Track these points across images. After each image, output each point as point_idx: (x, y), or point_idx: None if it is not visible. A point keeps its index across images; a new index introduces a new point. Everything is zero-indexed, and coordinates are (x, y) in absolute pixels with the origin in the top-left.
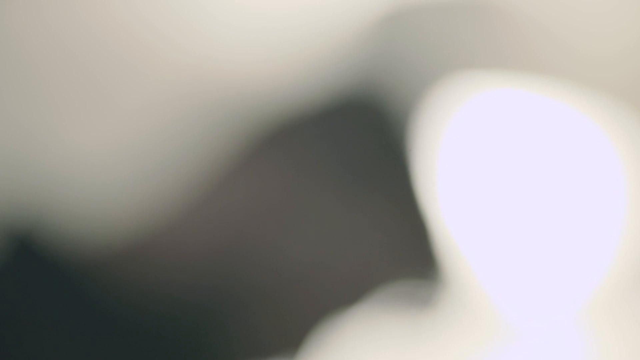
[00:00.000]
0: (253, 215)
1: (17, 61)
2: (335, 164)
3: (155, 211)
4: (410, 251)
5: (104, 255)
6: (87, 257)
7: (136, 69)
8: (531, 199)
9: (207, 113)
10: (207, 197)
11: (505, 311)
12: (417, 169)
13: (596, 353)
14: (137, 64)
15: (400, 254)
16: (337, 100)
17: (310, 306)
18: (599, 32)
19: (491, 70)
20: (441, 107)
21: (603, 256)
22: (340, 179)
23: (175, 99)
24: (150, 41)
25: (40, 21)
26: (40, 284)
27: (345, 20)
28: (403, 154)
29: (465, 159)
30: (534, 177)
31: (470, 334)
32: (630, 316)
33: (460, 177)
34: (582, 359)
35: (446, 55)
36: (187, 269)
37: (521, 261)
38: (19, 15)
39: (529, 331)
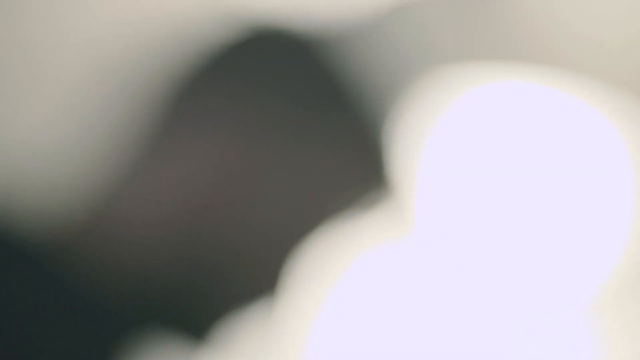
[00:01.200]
0: (208, 175)
1: None
2: (277, 107)
3: (112, 184)
4: (367, 176)
5: (68, 234)
6: (50, 237)
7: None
8: (538, 193)
9: (135, 67)
10: (159, 164)
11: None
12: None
13: (604, 346)
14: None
15: (358, 181)
16: (271, 46)
17: (279, 246)
18: (609, 20)
19: (498, 61)
20: (439, 97)
21: (611, 251)
22: (286, 122)
23: (105, 59)
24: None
25: None
26: (5, 268)
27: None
28: (343, 85)
29: (465, 152)
30: (540, 170)
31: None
32: (637, 311)
33: (463, 169)
34: (590, 352)
35: (449, 45)
36: (153, 240)
37: (529, 256)
38: None
39: (538, 325)
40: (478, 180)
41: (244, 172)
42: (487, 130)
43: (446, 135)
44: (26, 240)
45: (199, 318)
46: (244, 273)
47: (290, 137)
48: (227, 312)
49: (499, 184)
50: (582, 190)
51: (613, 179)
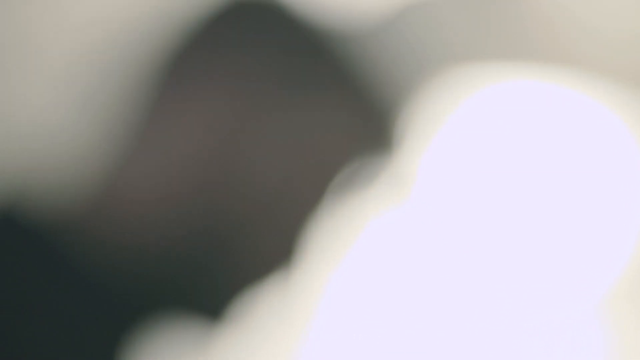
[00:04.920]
0: (208, 144)
1: None
2: (272, 77)
3: (112, 161)
4: (369, 133)
5: (73, 214)
6: (56, 218)
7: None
8: (551, 191)
9: (127, 47)
10: (158, 137)
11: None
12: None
13: (616, 344)
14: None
15: (360, 144)
16: (272, 23)
17: (289, 219)
18: (623, 16)
19: (511, 59)
20: (454, 95)
21: (622, 249)
22: (282, 90)
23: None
24: None
25: None
26: (20, 252)
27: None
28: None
29: (477, 149)
30: (552, 167)
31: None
32: None
33: (475, 167)
34: (602, 350)
35: (461, 44)
36: (159, 216)
37: (541, 254)
38: None
39: (549, 324)
40: (490, 179)
41: (244, 139)
42: (500, 128)
43: (458, 133)
44: (33, 221)
45: (212, 295)
46: (255, 244)
47: (290, 100)
48: (240, 288)
49: (512, 182)
50: (594, 188)
51: (625, 177)
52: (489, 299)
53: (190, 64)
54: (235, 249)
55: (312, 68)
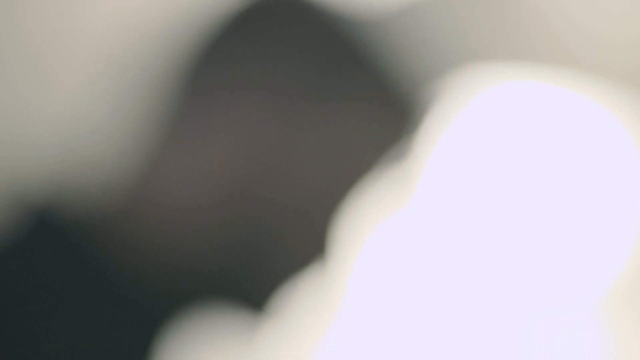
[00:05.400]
0: (243, 150)
1: None
2: (305, 84)
3: (147, 164)
4: (396, 135)
5: (107, 217)
6: (90, 219)
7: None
8: (550, 191)
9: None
10: (193, 142)
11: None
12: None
13: (614, 345)
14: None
15: (388, 144)
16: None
17: (322, 228)
18: (624, 17)
19: (512, 60)
20: (457, 95)
21: (621, 249)
22: (314, 98)
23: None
24: None
25: None
26: (51, 255)
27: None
28: (362, 49)
29: (479, 150)
30: (551, 167)
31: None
32: None
33: (477, 167)
34: (600, 350)
35: (467, 44)
36: (193, 221)
37: (540, 254)
38: None
39: (548, 322)
40: (490, 179)
41: (278, 148)
42: (500, 129)
43: (462, 133)
44: (67, 222)
45: (250, 293)
46: (287, 253)
47: (325, 105)
48: (277, 285)
49: (512, 182)
50: (593, 189)
51: (624, 178)
52: (488, 299)
53: (227, 69)
54: (267, 257)
55: (344, 71)
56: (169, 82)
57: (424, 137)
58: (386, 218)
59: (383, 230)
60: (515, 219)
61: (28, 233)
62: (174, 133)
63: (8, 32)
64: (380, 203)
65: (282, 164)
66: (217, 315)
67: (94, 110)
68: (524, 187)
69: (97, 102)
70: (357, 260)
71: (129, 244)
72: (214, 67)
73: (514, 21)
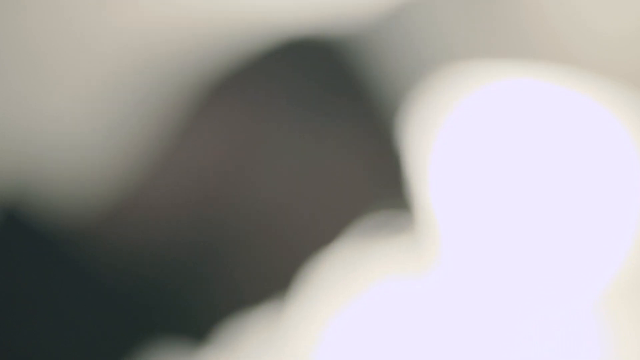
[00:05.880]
0: (221, 163)
1: None
2: (292, 101)
3: (128, 170)
4: (383, 178)
5: (90, 222)
6: (70, 223)
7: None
8: (548, 188)
9: (159, 67)
10: (173, 151)
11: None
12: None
13: (613, 343)
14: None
15: (373, 182)
16: (281, 42)
17: (292, 247)
18: (622, 15)
19: (509, 58)
20: (448, 94)
21: (620, 245)
22: (300, 115)
23: (127, 55)
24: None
25: None
26: (27, 254)
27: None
28: (358, 84)
29: (476, 149)
30: (550, 165)
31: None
32: None
33: (474, 167)
34: (599, 348)
35: (460, 42)
36: (166, 226)
37: (538, 252)
38: None
39: (546, 320)
40: (488, 178)
41: (256, 157)
42: (498, 127)
43: (458, 133)
44: (49, 228)
45: (203, 317)
46: (253, 264)
47: (305, 123)
48: (233, 309)
49: (510, 180)
50: (591, 187)
51: (622, 176)
52: (485, 298)
53: (208, 80)
54: (233, 265)
55: (329, 88)
56: (155, 93)
57: (418, 137)
58: (375, 272)
59: (368, 284)
60: (514, 217)
61: (6, 235)
62: (155, 140)
63: (9, 32)
64: (372, 252)
65: (257, 180)
66: (168, 340)
67: (77, 115)
68: (523, 185)
69: (79, 107)
70: (327, 305)
71: (109, 246)
72: (199, 80)
73: (511, 18)
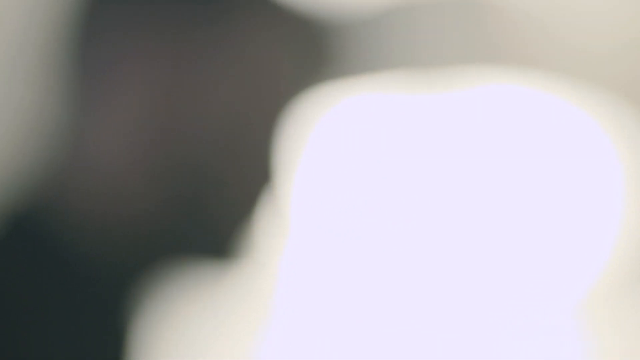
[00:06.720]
0: (155, 102)
1: None
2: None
3: (73, 137)
4: (310, 52)
5: (48, 194)
6: (33, 199)
7: None
8: (529, 194)
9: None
10: (107, 103)
11: None
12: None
13: (594, 347)
14: None
15: (301, 59)
16: None
17: (255, 152)
18: (594, 29)
19: (486, 65)
20: (426, 99)
21: (601, 252)
22: (205, 19)
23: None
24: None
25: None
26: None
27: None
28: None
29: (452, 152)
30: (531, 171)
31: None
32: (628, 311)
33: (452, 170)
34: (580, 353)
35: (435, 48)
36: (131, 182)
37: (520, 257)
38: None
39: (528, 326)
40: (467, 180)
41: (190, 85)
42: (477, 132)
43: (432, 136)
44: (7, 207)
45: (207, 240)
46: (233, 183)
47: (216, 27)
48: (232, 224)
49: (490, 184)
50: (574, 194)
51: (602, 181)
52: (467, 302)
53: (118, 22)
54: (212, 199)
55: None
56: (68, 49)
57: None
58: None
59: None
60: (495, 222)
61: None
62: (85, 99)
63: None
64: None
65: (199, 107)
66: (178, 273)
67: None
68: (503, 188)
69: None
70: (301, 183)
71: (73, 217)
72: (110, 26)
73: (483, 26)
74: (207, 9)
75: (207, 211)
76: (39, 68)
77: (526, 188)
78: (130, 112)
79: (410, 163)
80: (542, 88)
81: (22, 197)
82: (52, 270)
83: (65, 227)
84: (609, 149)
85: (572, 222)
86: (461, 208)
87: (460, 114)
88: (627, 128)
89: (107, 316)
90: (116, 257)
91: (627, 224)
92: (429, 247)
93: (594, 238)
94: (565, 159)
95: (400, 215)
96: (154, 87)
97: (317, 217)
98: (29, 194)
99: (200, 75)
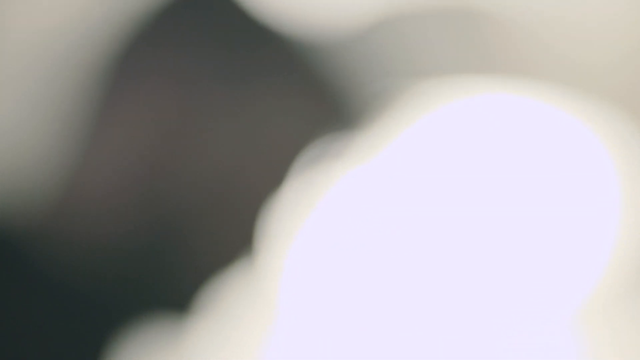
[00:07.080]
0: (156, 140)
1: None
2: (215, 63)
3: (61, 162)
4: (323, 115)
5: (37, 218)
6: (22, 224)
7: None
8: (526, 205)
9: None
10: (105, 132)
11: None
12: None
13: (591, 356)
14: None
15: (314, 121)
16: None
17: (247, 204)
18: (590, 39)
19: (481, 75)
20: (422, 109)
21: (598, 260)
22: (225, 77)
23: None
24: None
25: None
26: None
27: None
28: (267, 31)
29: (448, 162)
30: (527, 180)
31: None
32: (625, 319)
33: (447, 179)
34: None
35: (436, 60)
36: (119, 210)
37: (516, 265)
38: None
39: (525, 334)
40: (465, 189)
41: (192, 130)
42: (470, 143)
43: (429, 147)
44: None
45: (176, 288)
46: (213, 232)
47: (231, 83)
48: (203, 278)
49: (488, 193)
50: (571, 202)
51: (600, 191)
52: (465, 309)
53: (135, 60)
54: (193, 238)
55: (257, 59)
56: (81, 79)
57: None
58: (324, 192)
59: (315, 221)
60: (490, 230)
61: None
62: (88, 128)
63: None
64: (318, 180)
65: (197, 152)
66: (146, 315)
67: (8, 112)
68: (498, 198)
69: (11, 103)
70: (288, 246)
71: (56, 243)
72: (127, 61)
73: (481, 39)
74: (227, 66)
75: (175, 263)
76: (58, 90)
77: (523, 199)
78: (130, 145)
79: (406, 173)
80: (538, 98)
81: (12, 219)
82: (29, 285)
83: (47, 247)
84: (606, 159)
85: (569, 232)
86: (459, 216)
87: (456, 125)
88: (624, 138)
89: (87, 341)
90: (93, 281)
91: (625, 234)
92: (427, 254)
93: (592, 248)
94: (562, 169)
95: (399, 222)
96: (158, 126)
97: (303, 298)
98: (19, 217)
99: (203, 126)
